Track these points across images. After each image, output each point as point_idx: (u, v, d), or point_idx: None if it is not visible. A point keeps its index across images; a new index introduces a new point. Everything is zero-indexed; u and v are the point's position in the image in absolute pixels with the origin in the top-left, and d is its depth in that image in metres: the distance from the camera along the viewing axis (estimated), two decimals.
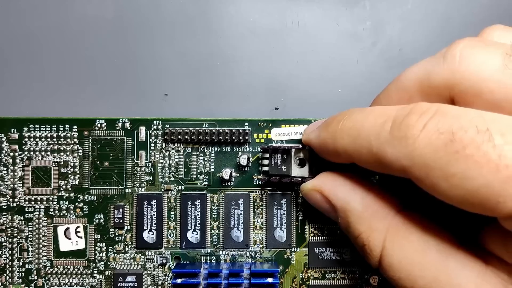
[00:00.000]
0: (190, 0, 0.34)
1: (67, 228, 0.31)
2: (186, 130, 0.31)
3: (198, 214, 0.31)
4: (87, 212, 0.31)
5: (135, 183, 0.31)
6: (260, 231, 0.32)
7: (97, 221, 0.31)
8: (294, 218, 0.32)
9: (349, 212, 0.25)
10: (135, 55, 0.34)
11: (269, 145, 0.31)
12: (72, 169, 0.31)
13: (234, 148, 0.31)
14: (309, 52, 0.34)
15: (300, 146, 0.30)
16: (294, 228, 0.32)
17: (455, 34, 0.34)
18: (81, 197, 0.31)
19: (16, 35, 0.34)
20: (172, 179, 0.31)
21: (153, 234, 0.31)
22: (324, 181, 0.28)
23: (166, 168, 0.31)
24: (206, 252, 0.31)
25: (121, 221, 0.31)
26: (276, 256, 0.32)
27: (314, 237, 0.32)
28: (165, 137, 0.31)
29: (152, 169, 0.31)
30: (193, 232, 0.31)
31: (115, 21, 0.34)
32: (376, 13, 0.35)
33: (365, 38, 0.35)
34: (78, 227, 0.31)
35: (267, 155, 0.30)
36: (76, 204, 0.31)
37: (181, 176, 0.31)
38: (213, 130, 0.31)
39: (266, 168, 0.31)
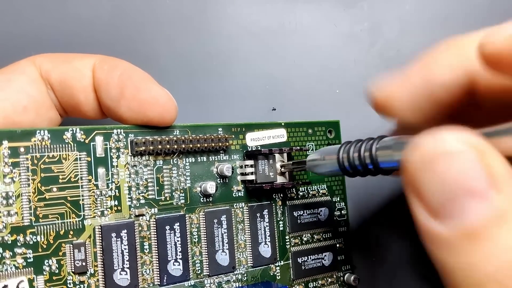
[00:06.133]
0: (188, 0, 0.32)
1: (4, 286, 0.22)
2: (158, 139, 0.25)
3: (178, 240, 0.26)
4: (31, 259, 0.22)
5: (95, 211, 0.24)
6: (245, 249, 0.28)
7: (47, 269, 0.23)
8: (276, 228, 0.29)
9: None
10: (132, 55, 0.29)
11: (262, 149, 0.28)
12: (4, 201, 0.22)
13: (210, 157, 0.27)
14: (306, 53, 0.34)
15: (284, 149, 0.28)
16: (277, 240, 0.29)
17: (453, 35, 0.35)
18: (22, 240, 0.22)
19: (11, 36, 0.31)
20: (142, 201, 0.25)
21: (126, 274, 0.24)
22: None
23: (134, 188, 0.25)
24: (189, 285, 0.26)
25: (83, 263, 0.23)
26: (262, 274, 0.29)
27: (295, 247, 0.30)
28: (131, 149, 0.25)
29: (117, 191, 0.25)
30: (175, 263, 0.26)
31: (110, 22, 0.31)
32: (373, 14, 0.34)
33: (362, 39, 0.34)
34: (21, 282, 0.22)
35: (249, 162, 0.28)
36: (15, 250, 0.22)
37: (153, 196, 0.26)
38: (190, 138, 0.26)
39: (250, 177, 0.28)
